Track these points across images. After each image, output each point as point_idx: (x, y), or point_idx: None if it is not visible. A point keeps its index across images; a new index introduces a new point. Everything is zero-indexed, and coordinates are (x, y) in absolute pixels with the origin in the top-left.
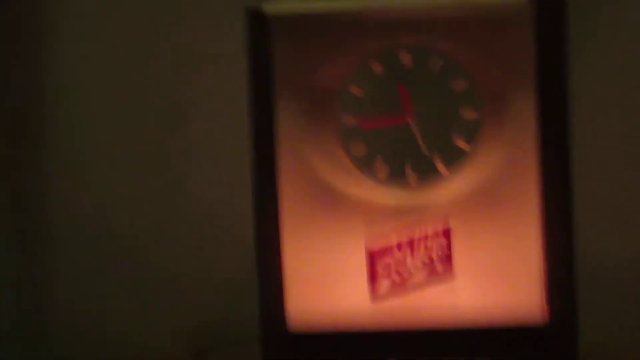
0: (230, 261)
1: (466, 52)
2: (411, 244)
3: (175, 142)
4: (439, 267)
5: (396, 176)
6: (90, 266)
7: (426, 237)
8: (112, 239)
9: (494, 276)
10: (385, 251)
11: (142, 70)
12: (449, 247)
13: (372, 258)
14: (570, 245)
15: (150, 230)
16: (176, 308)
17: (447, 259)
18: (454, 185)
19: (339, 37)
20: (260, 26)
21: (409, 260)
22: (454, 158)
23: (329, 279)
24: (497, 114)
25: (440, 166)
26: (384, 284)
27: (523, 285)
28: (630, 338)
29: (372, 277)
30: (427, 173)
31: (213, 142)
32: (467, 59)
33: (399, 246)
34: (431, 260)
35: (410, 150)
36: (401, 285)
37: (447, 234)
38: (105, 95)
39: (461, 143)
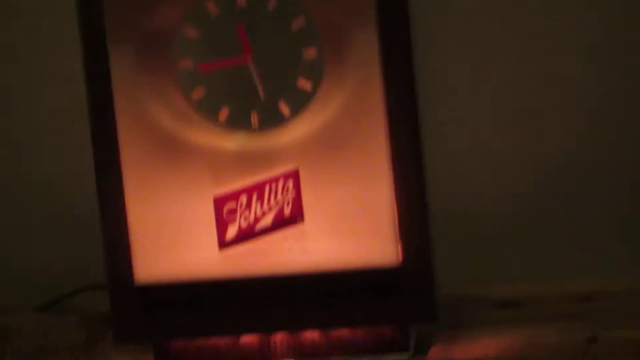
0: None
1: None
2: (257, 188)
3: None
4: (287, 210)
5: (239, 120)
6: None
7: (272, 181)
8: None
9: (345, 218)
10: (231, 197)
11: None
12: (296, 190)
13: (218, 204)
14: (421, 182)
15: None
16: (25, 257)
17: (295, 202)
18: (299, 128)
19: None
20: None
21: (255, 204)
22: (297, 100)
23: (176, 228)
24: (339, 52)
25: (283, 108)
26: (230, 231)
27: (375, 226)
28: (483, 276)
29: (219, 224)
30: (270, 116)
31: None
32: None
33: (245, 191)
34: (278, 203)
35: (251, 92)
36: (248, 230)
37: (294, 176)
38: None
39: (304, 84)
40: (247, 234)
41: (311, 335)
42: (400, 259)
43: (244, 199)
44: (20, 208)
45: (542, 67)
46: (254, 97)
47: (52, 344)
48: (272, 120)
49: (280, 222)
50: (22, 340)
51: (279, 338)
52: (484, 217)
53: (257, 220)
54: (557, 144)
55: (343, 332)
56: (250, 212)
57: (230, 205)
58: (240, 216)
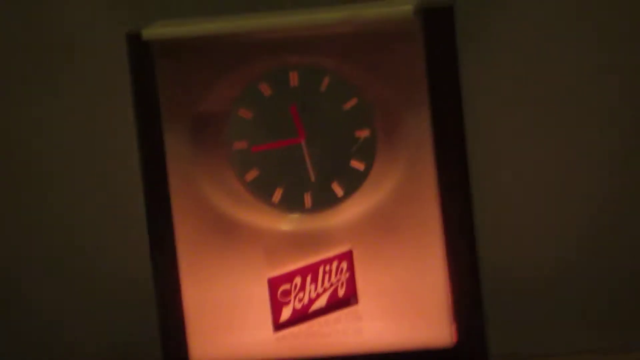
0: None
1: (354, 69)
2: (311, 269)
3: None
4: (341, 291)
5: (292, 201)
6: None
7: (326, 262)
8: None
9: (399, 299)
10: (285, 278)
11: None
12: (350, 270)
13: (272, 286)
14: (475, 261)
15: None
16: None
17: (349, 283)
18: (352, 208)
19: (223, 59)
20: (141, 52)
21: (309, 286)
22: (350, 179)
23: (230, 309)
24: (391, 132)
25: (336, 189)
26: (285, 312)
27: (429, 306)
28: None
29: (273, 305)
30: (323, 196)
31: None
32: (355, 76)
33: (299, 272)
34: (332, 285)
35: (305, 174)
36: (303, 312)
37: (348, 257)
38: None
39: (356, 163)
40: (301, 316)
41: None
42: (455, 339)
43: (298, 280)
44: (80, 287)
45: (592, 132)
46: (307, 177)
47: None
48: (326, 201)
49: (335, 304)
50: None
51: None
52: (540, 286)
53: (311, 301)
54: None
55: None
56: (304, 293)
57: (284, 286)
58: (295, 297)
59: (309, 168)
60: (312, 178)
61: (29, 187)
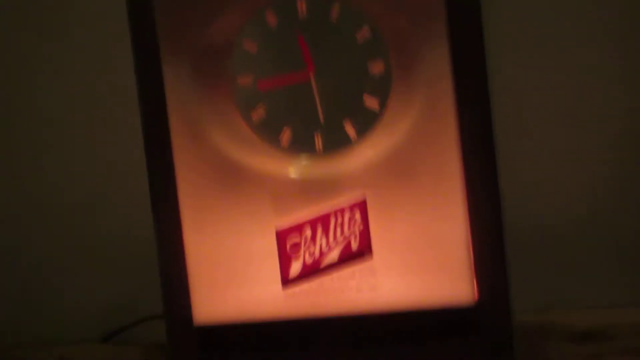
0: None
1: None
2: (322, 219)
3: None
4: (354, 244)
5: (302, 143)
6: None
7: (338, 212)
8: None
9: (416, 252)
10: (295, 229)
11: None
12: (364, 221)
13: (281, 238)
14: (498, 211)
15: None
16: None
17: (363, 235)
18: (366, 151)
19: None
20: None
21: (320, 238)
22: (364, 120)
23: (235, 263)
24: (407, 66)
25: (349, 129)
26: (294, 267)
27: (449, 261)
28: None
29: (282, 259)
30: (335, 138)
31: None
32: (369, 4)
33: (309, 223)
34: (345, 237)
35: (315, 112)
36: (314, 266)
37: (361, 206)
38: None
39: (371, 102)
40: (312, 271)
41: None
42: (476, 297)
43: (308, 231)
44: (79, 239)
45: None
46: (317, 117)
47: None
48: (337, 143)
49: (348, 258)
50: None
51: None
52: (561, 236)
53: (322, 255)
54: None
55: None
56: (315, 246)
57: (293, 239)
58: (305, 251)
59: (318, 106)
60: (322, 118)
61: (29, 135)
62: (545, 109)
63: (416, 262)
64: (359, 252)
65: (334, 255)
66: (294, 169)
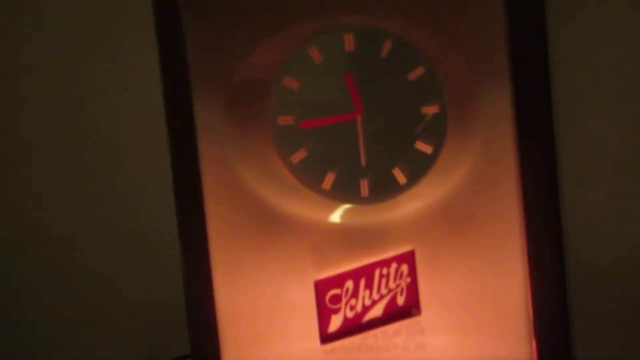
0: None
1: (421, 34)
2: (366, 272)
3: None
4: (400, 299)
5: (345, 188)
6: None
7: (384, 264)
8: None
9: (469, 310)
10: (335, 281)
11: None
12: (412, 275)
13: (320, 290)
14: (561, 266)
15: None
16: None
17: (411, 290)
18: (417, 199)
19: (266, 19)
20: (169, 11)
21: (363, 291)
22: (415, 164)
23: (270, 315)
24: (464, 108)
25: (398, 175)
26: (334, 321)
27: (505, 320)
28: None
29: (321, 312)
30: (383, 184)
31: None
32: (423, 41)
33: (351, 275)
34: (390, 291)
35: (364, 154)
36: (355, 321)
37: (409, 259)
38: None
39: (422, 145)
40: (353, 326)
41: None
42: (536, 358)
43: (350, 284)
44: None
45: None
46: (364, 159)
47: None
48: (385, 189)
49: (393, 314)
50: None
51: None
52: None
53: (365, 309)
54: None
55: None
56: (357, 300)
57: (334, 291)
58: (346, 305)
59: (361, 149)
60: (363, 162)
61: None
62: (612, 156)
63: (469, 320)
64: (405, 308)
65: (377, 310)
66: (337, 215)
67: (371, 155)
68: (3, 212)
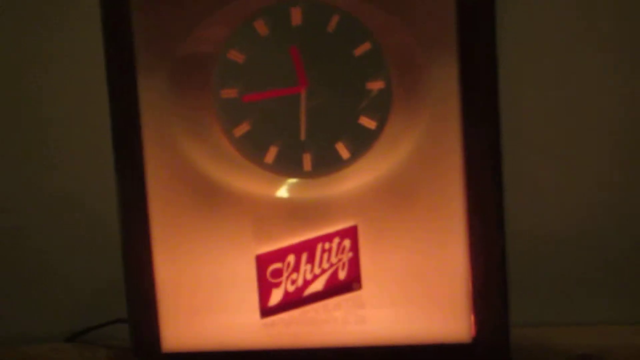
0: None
1: (369, 9)
2: (307, 246)
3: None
4: (342, 274)
5: (288, 162)
6: None
7: (326, 239)
8: None
9: (410, 284)
10: (276, 255)
11: None
12: (354, 248)
13: (261, 264)
14: (501, 241)
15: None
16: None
17: (352, 264)
18: (359, 174)
19: None
20: None
21: (304, 266)
22: (359, 140)
23: (210, 288)
24: (410, 84)
25: (341, 150)
26: (275, 295)
27: (445, 294)
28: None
29: (262, 286)
30: (326, 159)
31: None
32: (370, 17)
33: (293, 249)
34: (332, 265)
35: (304, 129)
36: (296, 295)
37: (351, 234)
38: None
39: (366, 120)
40: (294, 300)
41: None
42: (473, 334)
43: (291, 258)
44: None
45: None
46: (307, 133)
47: None
48: (328, 164)
49: (334, 288)
50: None
51: None
52: (562, 252)
53: (306, 284)
54: None
55: None
56: (298, 274)
57: (275, 265)
58: (287, 278)
59: (302, 122)
60: (303, 135)
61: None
62: (554, 133)
63: (409, 295)
64: (346, 282)
65: (319, 284)
66: (279, 190)
67: (314, 130)
68: None
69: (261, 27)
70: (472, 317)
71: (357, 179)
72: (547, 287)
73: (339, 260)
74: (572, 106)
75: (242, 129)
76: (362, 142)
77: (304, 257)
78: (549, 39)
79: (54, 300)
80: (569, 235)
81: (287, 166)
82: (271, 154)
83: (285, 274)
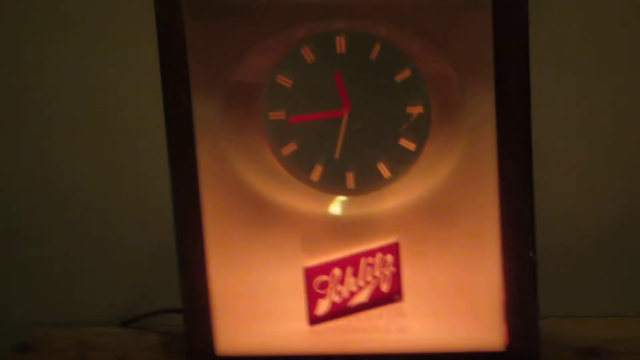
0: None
1: (409, 38)
2: (352, 261)
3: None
4: (385, 286)
5: (333, 180)
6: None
7: (369, 254)
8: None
9: (448, 296)
10: (322, 269)
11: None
12: (395, 263)
13: (309, 276)
14: (532, 262)
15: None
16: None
17: (394, 277)
18: (400, 193)
19: (263, 21)
20: (170, 11)
21: (349, 279)
22: (399, 159)
23: (261, 297)
24: (448, 110)
25: (382, 170)
26: (321, 305)
27: (480, 305)
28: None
29: (309, 297)
30: (368, 176)
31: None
32: (411, 45)
33: (338, 264)
34: (375, 278)
35: (347, 150)
36: (341, 306)
37: (393, 250)
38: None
39: (406, 142)
40: (339, 310)
41: None
42: (507, 342)
43: (337, 271)
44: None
45: None
46: (351, 154)
47: None
48: (370, 182)
49: (377, 300)
50: (102, 353)
51: None
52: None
53: (351, 295)
54: None
55: None
56: (343, 286)
57: (321, 277)
58: (333, 290)
59: (339, 142)
60: (337, 154)
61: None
62: (582, 154)
63: (447, 306)
64: (389, 295)
65: (362, 296)
66: (325, 206)
67: (356, 150)
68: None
69: (308, 54)
70: (505, 326)
71: (398, 197)
72: (552, 280)
73: (382, 274)
74: (595, 124)
75: (289, 148)
76: (402, 163)
77: (349, 270)
78: (572, 60)
79: (112, 287)
80: (577, 233)
81: (331, 184)
82: (317, 172)
83: (331, 286)
